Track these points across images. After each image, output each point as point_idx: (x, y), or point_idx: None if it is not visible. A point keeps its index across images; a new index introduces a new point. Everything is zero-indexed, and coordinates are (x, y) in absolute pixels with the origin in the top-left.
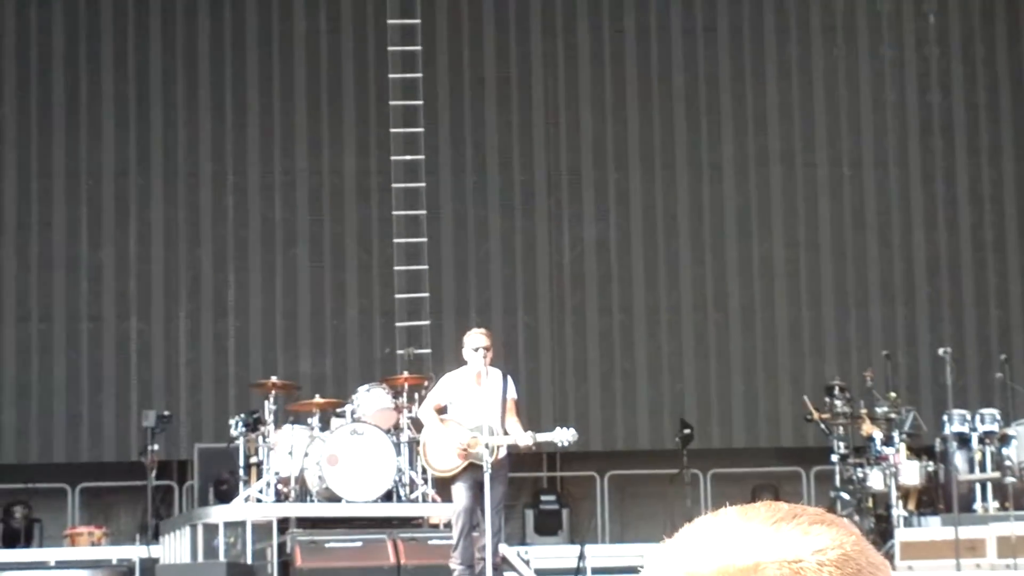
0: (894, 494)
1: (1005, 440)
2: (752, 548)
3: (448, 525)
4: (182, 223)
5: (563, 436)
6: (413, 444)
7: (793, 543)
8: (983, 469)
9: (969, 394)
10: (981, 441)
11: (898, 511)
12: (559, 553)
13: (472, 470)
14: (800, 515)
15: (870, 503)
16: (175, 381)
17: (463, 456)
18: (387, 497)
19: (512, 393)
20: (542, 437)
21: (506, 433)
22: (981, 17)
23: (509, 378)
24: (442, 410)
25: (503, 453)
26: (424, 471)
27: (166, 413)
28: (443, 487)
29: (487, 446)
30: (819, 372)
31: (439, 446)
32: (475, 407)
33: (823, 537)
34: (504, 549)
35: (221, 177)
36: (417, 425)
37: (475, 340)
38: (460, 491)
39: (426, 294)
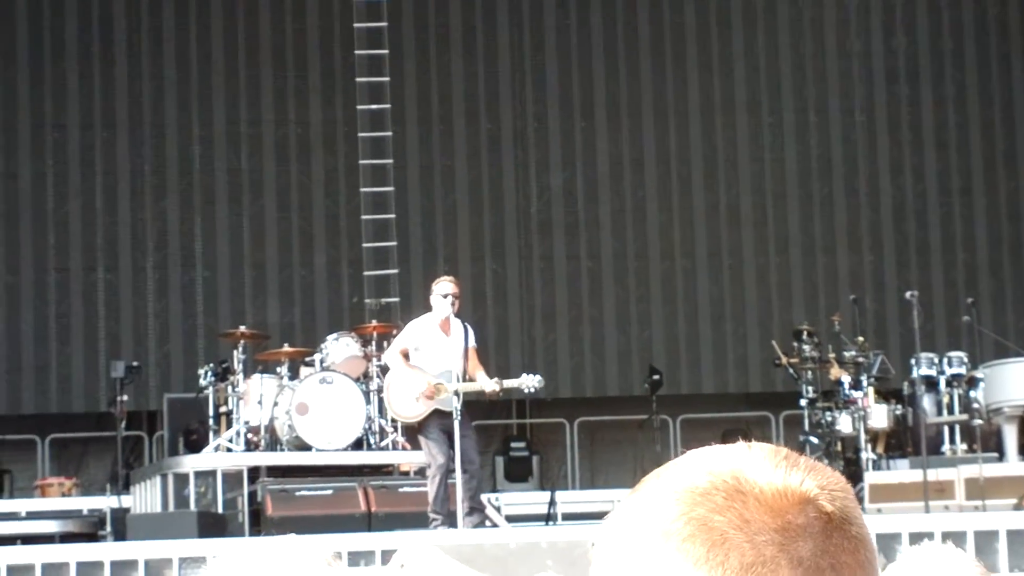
0: (863, 437)
1: (972, 383)
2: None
3: (419, 472)
4: (148, 174)
5: (529, 382)
6: (382, 392)
7: (817, 475)
8: (951, 412)
9: (936, 337)
10: (949, 384)
11: (867, 454)
12: (530, 499)
13: (439, 418)
14: (793, 454)
15: (839, 447)
16: (144, 332)
17: (427, 402)
18: (357, 445)
19: (472, 341)
20: (508, 383)
21: (472, 379)
22: None
23: (469, 327)
24: (407, 356)
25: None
26: (394, 419)
27: (135, 364)
28: (413, 435)
29: (456, 393)
30: (787, 317)
31: (404, 392)
32: (441, 354)
33: (829, 470)
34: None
35: (187, 128)
36: (385, 372)
37: (444, 287)
38: (433, 447)
39: (394, 243)
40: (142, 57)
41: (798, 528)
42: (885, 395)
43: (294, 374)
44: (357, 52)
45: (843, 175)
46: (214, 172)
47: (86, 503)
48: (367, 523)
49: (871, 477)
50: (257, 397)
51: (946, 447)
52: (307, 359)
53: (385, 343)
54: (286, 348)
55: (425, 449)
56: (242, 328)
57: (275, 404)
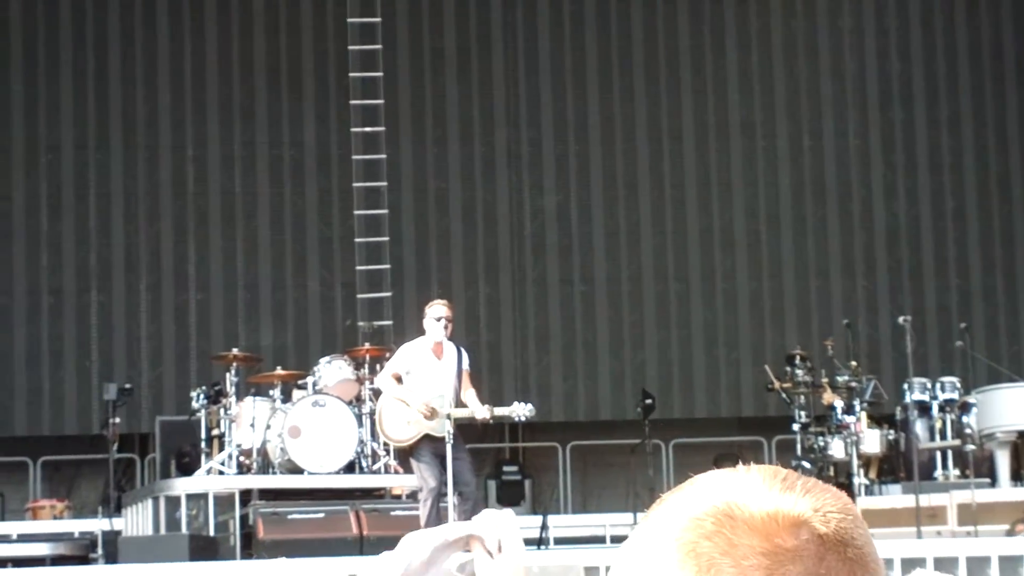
0: (855, 462)
1: (965, 408)
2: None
3: (411, 496)
4: (142, 196)
5: (520, 411)
6: (375, 415)
7: (813, 496)
8: (943, 437)
9: (929, 362)
10: (941, 409)
11: (859, 479)
12: (521, 523)
13: (430, 442)
14: (792, 476)
15: (831, 472)
16: (136, 354)
17: (418, 426)
18: (349, 468)
19: (465, 365)
20: (500, 411)
21: (464, 405)
22: None
23: (463, 351)
24: (400, 380)
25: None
26: (386, 443)
27: (127, 386)
28: (405, 458)
29: (448, 417)
30: (780, 341)
31: (395, 415)
32: (433, 378)
33: (830, 491)
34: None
35: (181, 150)
36: (378, 395)
37: (437, 311)
38: (425, 470)
39: (387, 266)
40: (136, 78)
41: (787, 552)
42: (878, 420)
43: (287, 397)
44: (351, 74)
45: (837, 198)
46: (208, 194)
47: (78, 525)
48: (359, 547)
49: (863, 502)
50: (249, 420)
51: (939, 472)
52: (300, 382)
53: (378, 366)
54: (279, 371)
55: (417, 472)
56: (235, 351)
57: (267, 427)
